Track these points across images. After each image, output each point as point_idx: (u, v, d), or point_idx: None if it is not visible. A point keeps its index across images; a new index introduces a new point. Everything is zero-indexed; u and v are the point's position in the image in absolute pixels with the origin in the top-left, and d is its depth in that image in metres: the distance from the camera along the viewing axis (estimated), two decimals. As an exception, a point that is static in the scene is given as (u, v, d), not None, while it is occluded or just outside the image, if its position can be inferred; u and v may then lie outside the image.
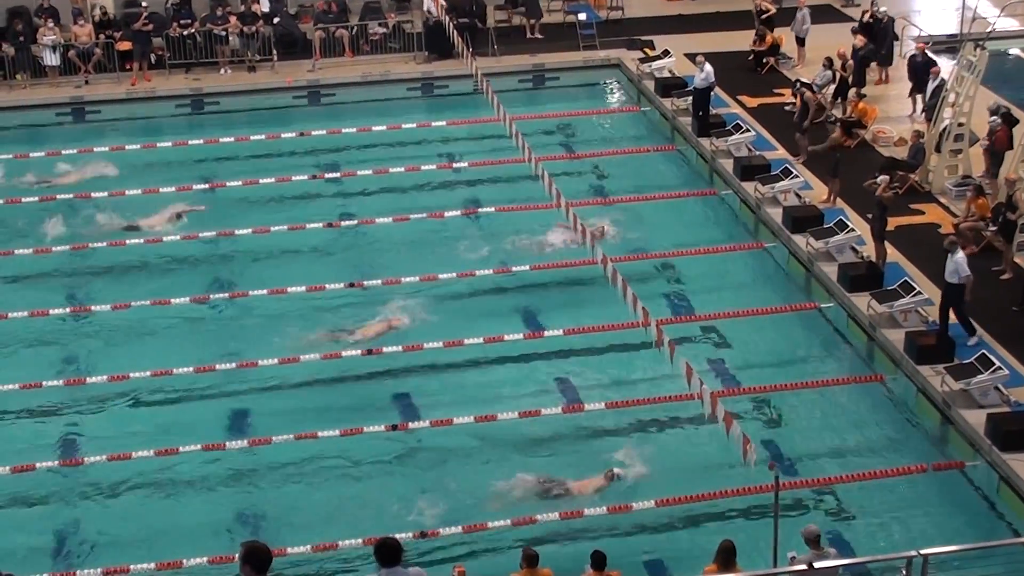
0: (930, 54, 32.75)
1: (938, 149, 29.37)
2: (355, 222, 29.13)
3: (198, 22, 37.05)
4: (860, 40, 33.59)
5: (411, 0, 39.45)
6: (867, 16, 35.07)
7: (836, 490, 20.90)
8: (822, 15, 38.29)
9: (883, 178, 26.43)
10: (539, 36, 38.78)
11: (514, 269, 27.08)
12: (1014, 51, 37.45)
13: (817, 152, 29.95)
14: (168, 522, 20.60)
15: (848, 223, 26.67)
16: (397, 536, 13.75)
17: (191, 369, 23.83)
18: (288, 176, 31.00)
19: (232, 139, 33.16)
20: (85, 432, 22.85)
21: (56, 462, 21.80)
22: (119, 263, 27.94)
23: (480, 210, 29.75)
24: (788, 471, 20.88)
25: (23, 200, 30.17)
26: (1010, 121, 29.10)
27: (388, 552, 12.11)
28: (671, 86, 34.62)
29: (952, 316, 23.40)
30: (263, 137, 33.19)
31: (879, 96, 33.72)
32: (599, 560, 17.21)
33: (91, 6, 37.36)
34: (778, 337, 25.26)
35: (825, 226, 26.95)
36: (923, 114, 31.72)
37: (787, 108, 32.78)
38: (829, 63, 33.29)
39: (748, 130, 31.42)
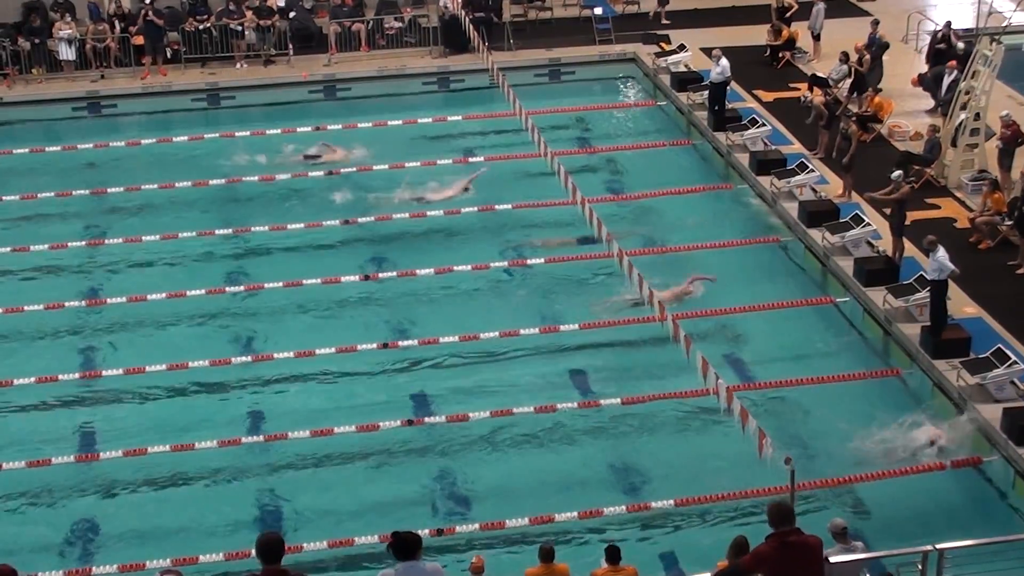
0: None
1: (954, 143, 29.31)
2: (371, 218, 29.11)
3: (214, 16, 37.08)
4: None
5: (427, -6, 39.51)
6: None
7: (852, 485, 20.84)
8: (840, 10, 38.19)
9: (897, 173, 26.37)
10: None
11: (529, 262, 27.10)
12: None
13: (850, 160, 28.65)
14: (184, 518, 20.63)
15: (864, 217, 26.61)
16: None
17: (207, 363, 23.88)
18: (304, 172, 31.02)
19: (248, 133, 33.16)
20: (100, 427, 22.88)
21: (71, 457, 21.80)
22: (134, 258, 28.05)
23: (497, 206, 29.72)
24: (804, 466, 20.80)
25: (39, 196, 30.15)
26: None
27: (404, 545, 12.03)
28: (687, 80, 34.55)
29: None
30: (279, 131, 33.17)
31: (895, 90, 33.62)
32: (614, 554, 17.17)
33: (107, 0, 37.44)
34: (794, 332, 25.20)
35: (841, 220, 26.90)
36: (939, 108, 31.66)
37: (802, 103, 32.64)
38: (845, 57, 33.20)
39: (764, 124, 31.37)
